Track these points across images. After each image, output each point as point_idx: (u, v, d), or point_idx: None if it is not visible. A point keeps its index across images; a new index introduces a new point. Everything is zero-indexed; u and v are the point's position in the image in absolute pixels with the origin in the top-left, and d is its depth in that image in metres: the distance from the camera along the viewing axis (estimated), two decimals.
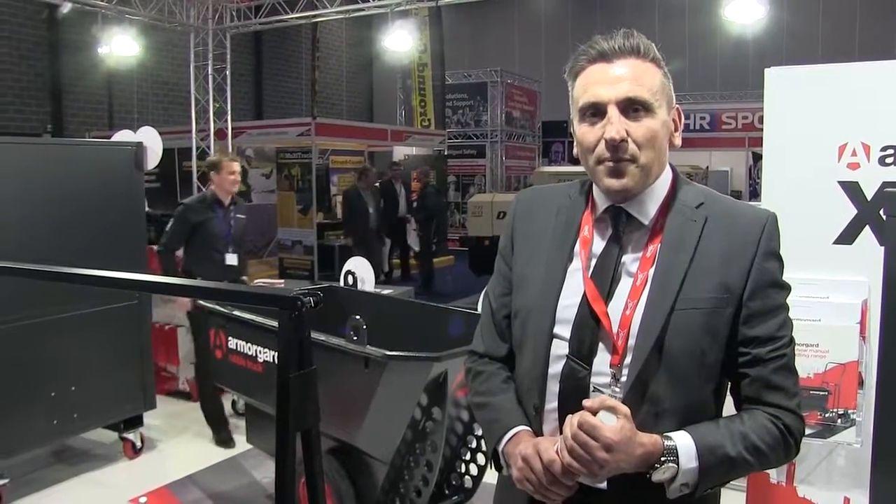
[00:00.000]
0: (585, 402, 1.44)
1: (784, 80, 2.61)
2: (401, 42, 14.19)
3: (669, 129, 1.60)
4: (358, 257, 4.90)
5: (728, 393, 1.65)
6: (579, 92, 1.58)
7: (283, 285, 6.27)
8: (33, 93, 15.75)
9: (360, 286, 4.69)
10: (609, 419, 1.40)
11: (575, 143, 1.63)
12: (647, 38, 1.59)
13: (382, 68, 22.82)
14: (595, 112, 1.55)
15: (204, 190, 6.14)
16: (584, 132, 1.57)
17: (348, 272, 4.75)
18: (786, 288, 1.59)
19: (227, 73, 9.16)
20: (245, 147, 13.86)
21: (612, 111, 1.52)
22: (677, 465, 1.45)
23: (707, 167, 18.73)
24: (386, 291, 4.95)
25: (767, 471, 2.70)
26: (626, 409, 1.42)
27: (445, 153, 17.47)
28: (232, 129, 10.19)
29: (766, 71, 2.64)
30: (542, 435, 1.62)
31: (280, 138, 13.26)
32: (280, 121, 14.97)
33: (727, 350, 1.55)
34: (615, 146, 1.51)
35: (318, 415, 1.67)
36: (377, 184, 12.45)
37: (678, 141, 1.63)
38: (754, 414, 1.54)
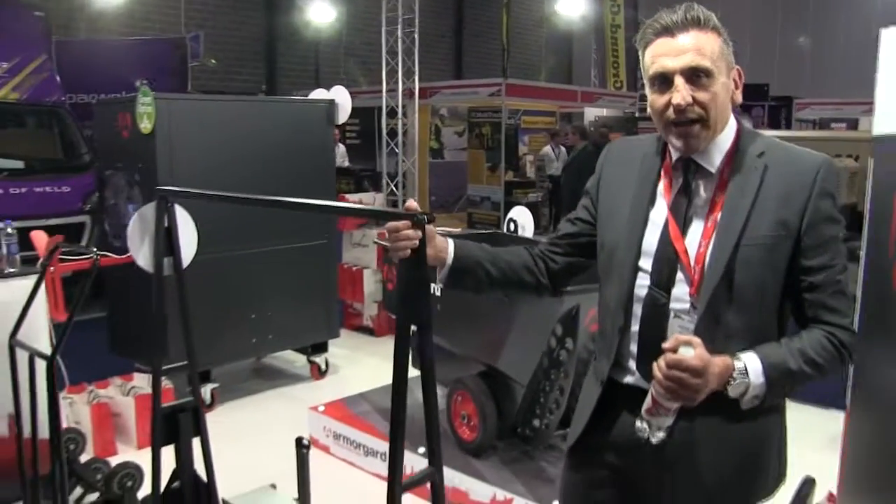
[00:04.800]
0: (664, 345, 1.66)
1: None
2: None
3: (730, 89, 1.79)
4: (520, 206, 5.27)
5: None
6: (648, 62, 1.79)
7: None
8: (251, 55, 17.22)
9: (520, 233, 5.05)
10: (688, 351, 1.63)
11: (648, 105, 1.84)
12: (708, 10, 1.76)
13: (581, 30, 22.79)
14: (663, 80, 1.75)
15: None
16: (654, 98, 1.79)
17: (511, 220, 5.13)
18: (839, 221, 1.77)
19: (416, 35, 9.72)
20: (439, 106, 14.52)
21: (678, 80, 1.72)
22: (748, 379, 1.68)
23: None
24: (544, 238, 5.27)
25: None
26: (697, 339, 1.63)
27: (637, 115, 17.36)
28: (427, 88, 10.76)
29: (883, 31, 2.58)
30: (622, 355, 1.88)
31: (472, 98, 13.75)
32: (472, 81, 15.47)
33: (787, 278, 1.76)
34: (682, 110, 1.73)
35: (430, 310, 1.95)
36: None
37: (739, 98, 1.80)
38: (812, 332, 1.75)
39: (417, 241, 1.80)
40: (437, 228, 2.07)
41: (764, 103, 20.90)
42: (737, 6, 21.44)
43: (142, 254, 2.71)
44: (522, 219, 5.12)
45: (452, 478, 3.79)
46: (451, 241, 2.01)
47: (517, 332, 3.72)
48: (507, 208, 13.17)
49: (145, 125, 4.70)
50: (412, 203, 1.89)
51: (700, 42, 1.73)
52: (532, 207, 12.46)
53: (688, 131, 1.76)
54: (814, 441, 4.10)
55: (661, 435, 1.72)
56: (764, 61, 23.39)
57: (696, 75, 1.73)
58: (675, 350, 1.63)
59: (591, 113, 16.54)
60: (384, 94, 10.23)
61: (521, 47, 24.41)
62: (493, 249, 2.08)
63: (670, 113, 1.76)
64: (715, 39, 1.75)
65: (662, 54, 1.75)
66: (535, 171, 15.23)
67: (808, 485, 1.99)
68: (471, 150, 14.08)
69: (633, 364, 1.88)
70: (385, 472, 4.14)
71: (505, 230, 5.21)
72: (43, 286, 3.43)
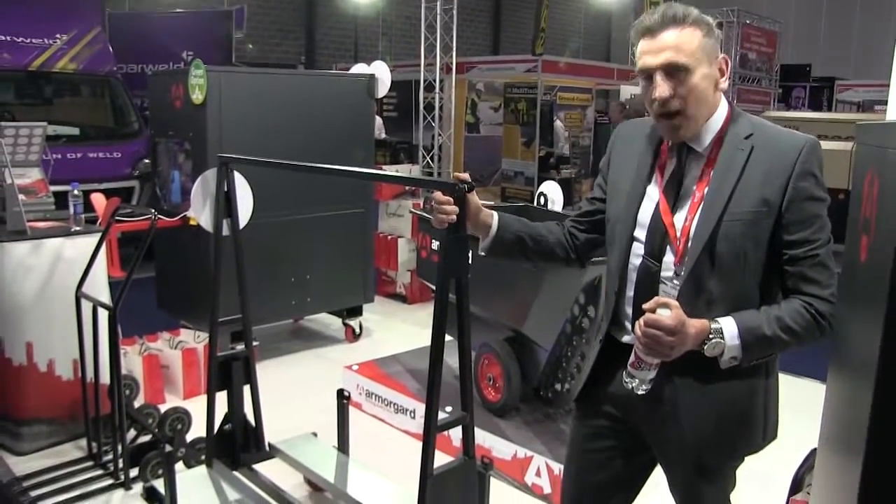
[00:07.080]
0: (644, 306, 1.82)
1: None
2: None
3: (714, 78, 1.93)
4: (551, 181, 5.47)
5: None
6: (637, 59, 1.98)
7: None
8: (291, 27, 17.49)
9: (550, 206, 5.26)
10: (665, 312, 1.82)
11: None
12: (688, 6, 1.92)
13: (619, 8, 22.73)
14: (647, 77, 1.94)
15: None
16: (643, 91, 1.99)
17: (541, 194, 5.34)
18: (822, 199, 1.91)
19: (454, 12, 9.92)
20: (476, 81, 14.66)
21: (658, 76, 1.89)
22: (723, 341, 1.87)
23: None
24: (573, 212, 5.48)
25: None
26: (675, 303, 1.81)
27: None
28: (464, 63, 10.95)
29: None
30: (619, 316, 2.10)
31: (508, 73, 13.87)
32: (508, 56, 15.56)
33: (770, 252, 1.93)
34: (662, 102, 1.92)
35: (467, 267, 2.19)
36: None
37: (724, 85, 1.95)
38: (791, 301, 1.92)
39: (456, 215, 2.06)
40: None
41: (805, 84, 20.73)
42: None
43: (204, 215, 2.98)
44: (552, 193, 5.33)
45: (477, 435, 4.02)
46: (495, 214, 2.23)
47: (543, 300, 3.95)
48: (540, 183, 13.46)
49: (197, 96, 4.96)
50: (462, 175, 2.13)
51: (677, 39, 1.88)
52: (565, 183, 12.69)
53: (671, 124, 1.95)
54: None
55: (645, 387, 1.93)
56: (808, 41, 23.14)
57: (674, 71, 1.90)
58: (654, 311, 1.83)
59: (627, 91, 16.55)
60: (422, 68, 10.44)
61: (559, 24, 24.39)
62: (531, 223, 2.31)
63: (656, 106, 1.94)
64: (693, 34, 1.89)
65: (644, 53, 1.93)
66: (570, 147, 15.33)
67: (814, 454, 2.19)
68: (506, 125, 14.20)
69: (629, 325, 2.08)
70: (413, 429, 4.44)
71: (535, 204, 5.43)
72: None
